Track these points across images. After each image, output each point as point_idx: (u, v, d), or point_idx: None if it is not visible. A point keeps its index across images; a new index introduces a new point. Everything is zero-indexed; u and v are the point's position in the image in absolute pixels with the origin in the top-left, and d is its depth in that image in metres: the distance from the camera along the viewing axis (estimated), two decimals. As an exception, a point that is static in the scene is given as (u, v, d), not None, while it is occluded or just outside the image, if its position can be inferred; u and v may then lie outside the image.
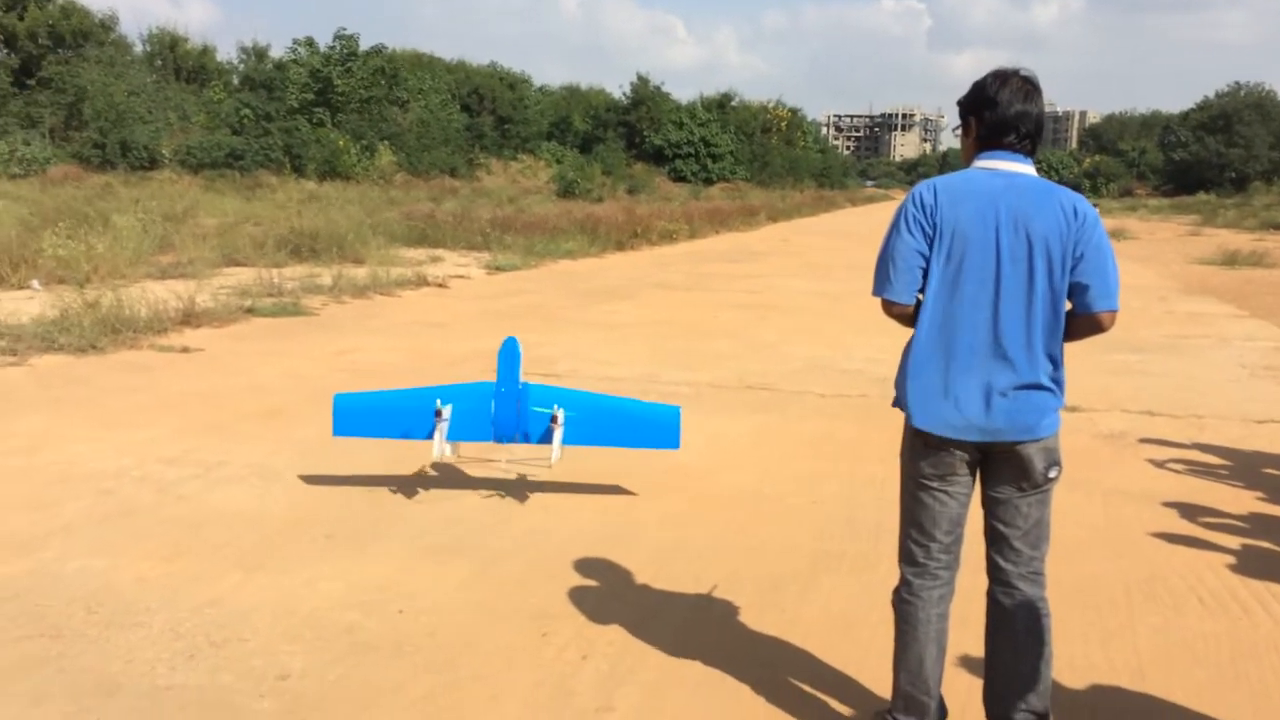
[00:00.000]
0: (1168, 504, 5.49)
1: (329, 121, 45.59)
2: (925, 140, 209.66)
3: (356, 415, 5.38)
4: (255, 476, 5.59)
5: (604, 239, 21.85)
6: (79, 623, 3.76)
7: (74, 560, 4.36)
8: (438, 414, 5.11)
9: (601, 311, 12.73)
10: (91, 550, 4.48)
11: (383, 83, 49.46)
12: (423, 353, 9.44)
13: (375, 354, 9.32)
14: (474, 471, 5.74)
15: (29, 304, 10.42)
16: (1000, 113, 2.70)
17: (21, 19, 45.53)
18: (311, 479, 5.55)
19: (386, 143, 46.65)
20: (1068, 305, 2.67)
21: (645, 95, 68.18)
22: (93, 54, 45.39)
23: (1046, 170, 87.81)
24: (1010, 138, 2.70)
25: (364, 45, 49.69)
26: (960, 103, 2.83)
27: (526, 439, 5.28)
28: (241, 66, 57.33)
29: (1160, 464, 6.26)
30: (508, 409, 5.22)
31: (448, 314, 12.07)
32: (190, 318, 10.18)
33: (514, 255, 18.64)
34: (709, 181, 63.34)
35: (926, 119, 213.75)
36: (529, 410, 5.24)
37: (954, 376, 2.68)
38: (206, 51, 57.07)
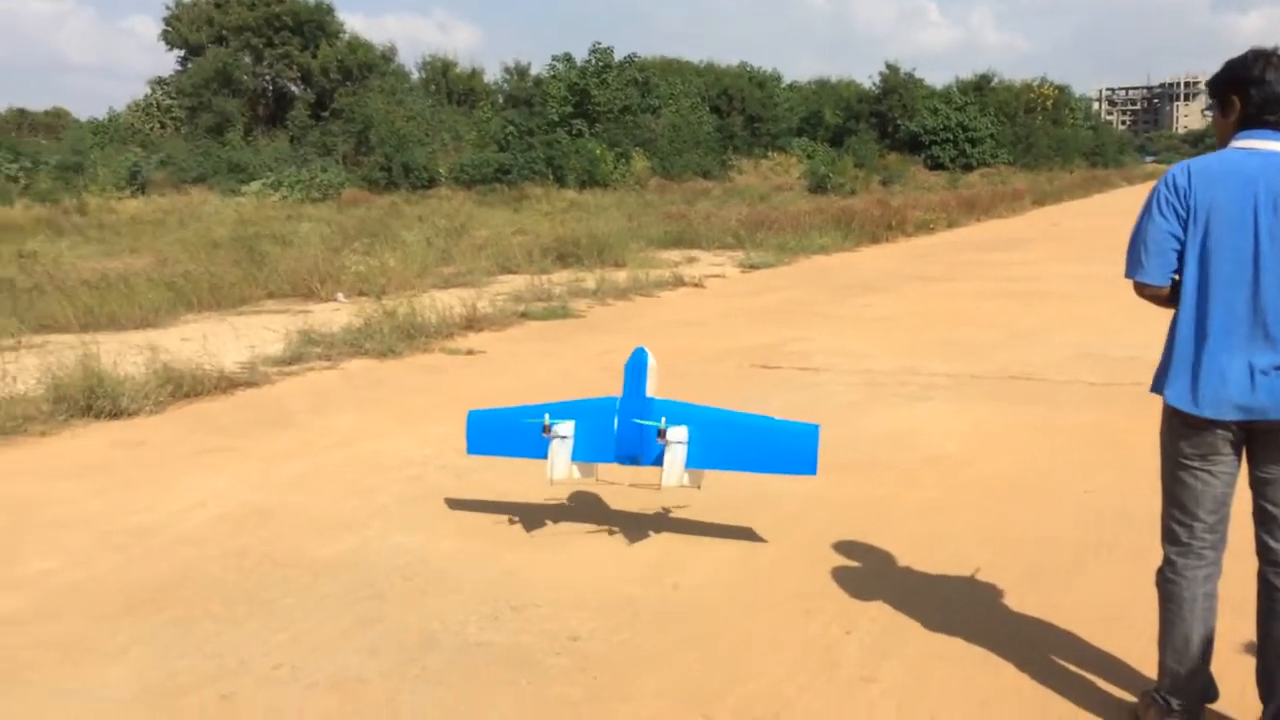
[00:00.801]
0: None
1: (587, 132, 47.49)
2: (1209, 110, 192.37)
3: (489, 433, 5.12)
4: (536, 466, 6.11)
5: (857, 232, 21.67)
6: (399, 589, 4.32)
7: (391, 537, 4.98)
8: (546, 430, 4.72)
9: (857, 305, 12.73)
10: (405, 528, 5.09)
11: (635, 92, 50.98)
12: (682, 351, 9.83)
13: (639, 352, 9.80)
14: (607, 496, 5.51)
15: (337, 315, 11.66)
16: (1266, 90, 2.67)
17: (315, 56, 50.40)
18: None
19: (640, 149, 48.05)
20: None
21: (896, 83, 66.57)
22: (376, 84, 49.52)
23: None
24: (1273, 116, 2.67)
25: (618, 56, 51.44)
26: (1214, 82, 2.82)
27: (652, 460, 4.72)
28: (505, 86, 60.67)
29: None
30: (632, 426, 4.73)
31: (705, 313, 12.46)
32: (473, 323, 11.07)
33: (767, 253, 18.86)
34: (968, 168, 60.98)
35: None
36: (650, 427, 4.66)
37: (1214, 356, 2.68)
38: (475, 74, 60.87)
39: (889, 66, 67.40)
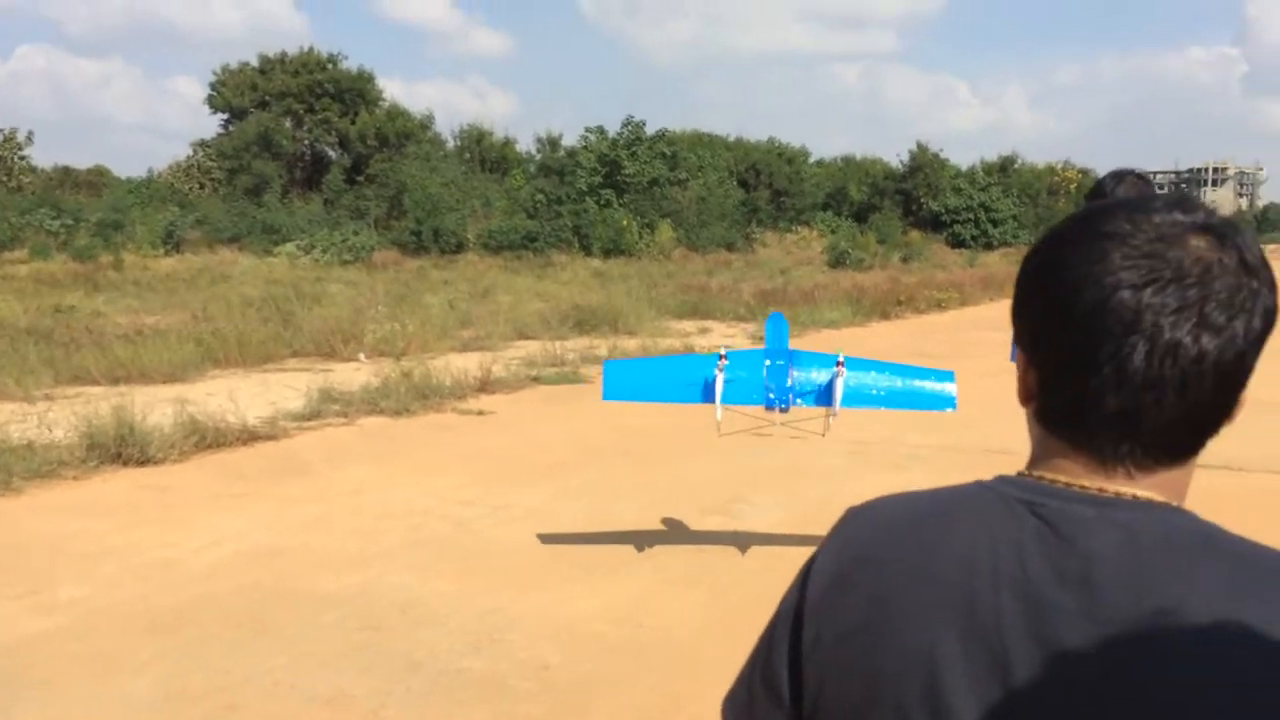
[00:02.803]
0: None
1: (615, 202, 48.59)
2: (1241, 195, 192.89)
3: (628, 380, 5.63)
4: (532, 517, 6.58)
5: (868, 307, 22.19)
6: (394, 621, 4.78)
7: (392, 576, 5.44)
8: (721, 364, 5.33)
9: (857, 379, 13.17)
10: (405, 569, 5.56)
11: (664, 164, 52.20)
12: (685, 417, 10.30)
13: (642, 418, 10.27)
14: (749, 442, 5.97)
15: (357, 374, 12.24)
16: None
17: (354, 123, 51.98)
18: (579, 520, 6.47)
19: (667, 220, 49.07)
20: None
21: (924, 161, 67.71)
22: (412, 151, 50.97)
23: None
24: None
25: (650, 128, 52.77)
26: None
27: (800, 401, 5.37)
28: (538, 155, 62.18)
29: None
30: (779, 374, 5.37)
31: (711, 381, 12.93)
32: (486, 385, 11.60)
33: (779, 326, 19.35)
34: (989, 247, 61.64)
35: (1242, 172, 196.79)
36: (802, 374, 5.38)
37: None
38: (508, 143, 62.45)
39: (919, 145, 68.63)
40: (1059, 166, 77.44)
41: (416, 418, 10.15)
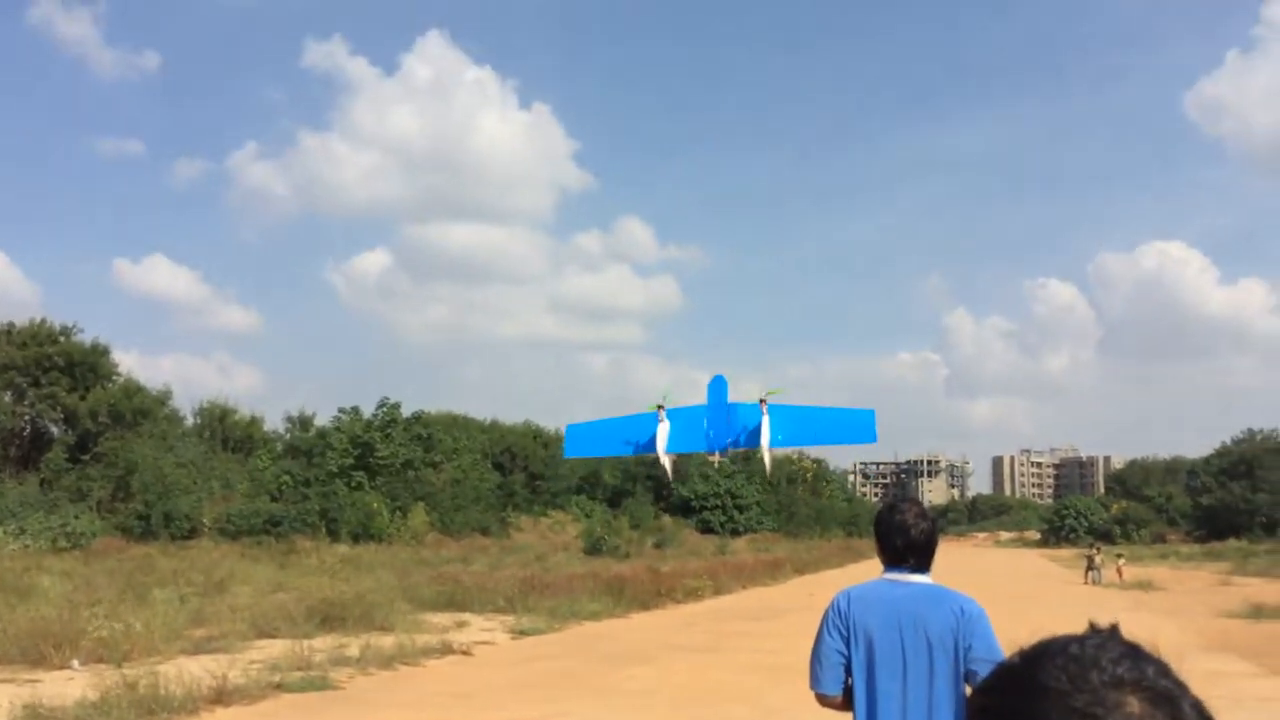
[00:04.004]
0: None
1: (367, 484, 47.34)
2: (952, 486, 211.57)
3: (587, 440, 6.64)
4: None
5: (628, 599, 22.15)
6: None
7: None
8: (661, 414, 6.02)
9: (622, 678, 12.90)
10: None
11: (419, 446, 51.81)
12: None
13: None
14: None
15: (70, 686, 10.81)
16: (904, 538, 3.36)
17: (84, 399, 48.72)
18: None
19: (421, 503, 48.10)
20: (968, 689, 3.20)
21: (671, 450, 70.51)
22: (146, 429, 48.07)
23: (1074, 516, 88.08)
24: (912, 558, 3.35)
25: (406, 409, 52.62)
26: (874, 525, 3.51)
27: (737, 444, 6.11)
28: (287, 435, 60.28)
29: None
30: (719, 422, 6.04)
31: (473, 683, 12.29)
32: (221, 695, 10.48)
33: (538, 618, 18.93)
34: (736, 533, 63.96)
35: (952, 465, 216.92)
36: (738, 422, 6.03)
37: None
38: (254, 422, 60.30)
39: (664, 434, 71.64)
40: (795, 456, 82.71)
41: (138, 739, 8.98)
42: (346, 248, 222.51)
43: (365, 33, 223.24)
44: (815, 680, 3.37)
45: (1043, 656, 0.89)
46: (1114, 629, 0.92)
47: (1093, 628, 0.92)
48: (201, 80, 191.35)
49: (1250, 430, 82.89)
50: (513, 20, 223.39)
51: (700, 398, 6.18)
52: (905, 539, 3.36)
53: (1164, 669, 0.88)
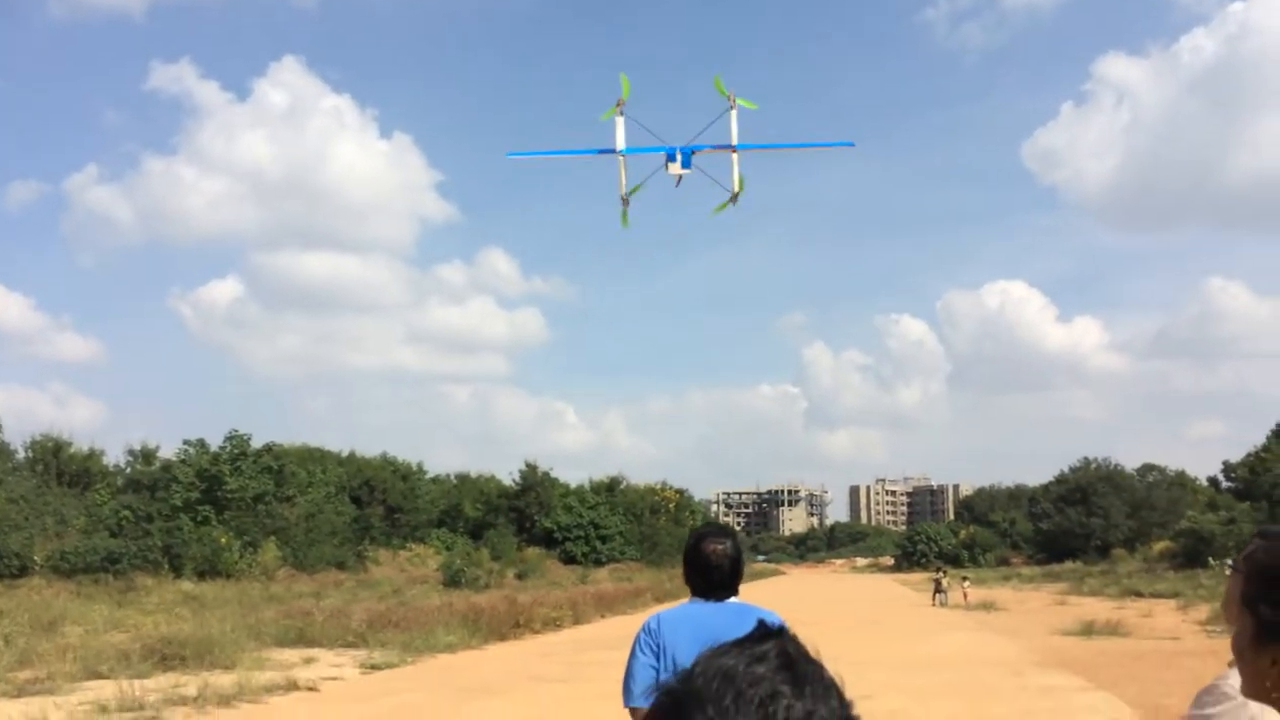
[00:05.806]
0: None
1: (214, 519, 45.42)
2: (812, 515, 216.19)
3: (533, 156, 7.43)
4: None
5: (485, 630, 21.83)
6: None
7: None
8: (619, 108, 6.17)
9: (474, 710, 12.69)
10: None
11: (270, 479, 50.05)
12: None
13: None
14: None
15: None
16: (701, 577, 3.46)
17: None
18: None
19: (272, 538, 46.40)
20: None
21: (534, 480, 70.09)
22: (-29, 464, 45.10)
23: (926, 542, 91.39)
24: (716, 592, 3.45)
25: (257, 441, 50.76)
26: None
27: (699, 148, 6.32)
28: (128, 469, 57.37)
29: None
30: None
31: (316, 720, 11.89)
32: (41, 740, 9.86)
33: (391, 652, 18.47)
34: (599, 563, 63.85)
35: (811, 494, 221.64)
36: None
37: None
38: (93, 455, 57.10)
39: (528, 465, 71.20)
40: (658, 486, 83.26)
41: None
42: (194, 276, 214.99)
43: (216, 57, 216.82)
44: (629, 695, 3.43)
45: (695, 673, 0.92)
46: (782, 632, 0.94)
47: (762, 627, 0.94)
48: (38, 99, 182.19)
49: (1086, 459, 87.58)
50: (374, 50, 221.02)
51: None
52: (710, 579, 3.47)
53: (808, 679, 0.88)
